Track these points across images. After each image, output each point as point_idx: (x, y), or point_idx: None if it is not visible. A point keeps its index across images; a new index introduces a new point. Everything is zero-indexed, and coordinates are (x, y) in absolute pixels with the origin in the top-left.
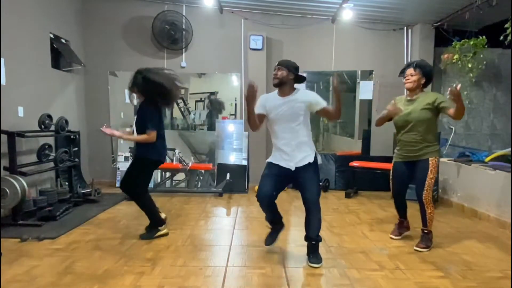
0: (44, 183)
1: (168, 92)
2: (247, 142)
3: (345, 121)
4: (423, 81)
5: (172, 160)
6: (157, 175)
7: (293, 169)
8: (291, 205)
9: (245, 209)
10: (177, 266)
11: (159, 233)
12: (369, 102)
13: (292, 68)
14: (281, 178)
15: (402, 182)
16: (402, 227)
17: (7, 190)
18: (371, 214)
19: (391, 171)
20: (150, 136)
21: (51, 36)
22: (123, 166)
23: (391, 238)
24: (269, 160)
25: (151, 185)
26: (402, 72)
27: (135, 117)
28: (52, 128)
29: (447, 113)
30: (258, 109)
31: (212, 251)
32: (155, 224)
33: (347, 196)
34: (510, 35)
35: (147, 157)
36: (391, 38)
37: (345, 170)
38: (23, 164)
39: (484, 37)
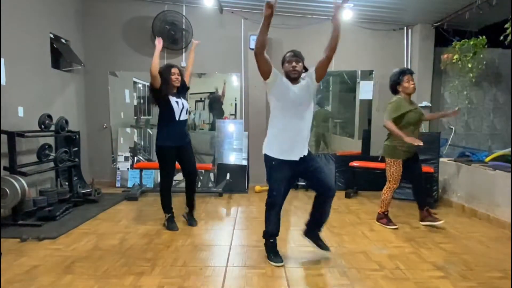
0: (44, 183)
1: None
2: (247, 142)
3: (345, 121)
4: None
5: None
6: (157, 175)
7: (297, 159)
8: (291, 205)
9: (245, 209)
10: (177, 266)
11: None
12: (369, 102)
13: (304, 60)
14: (291, 176)
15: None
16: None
17: (7, 190)
18: (371, 214)
19: (398, 169)
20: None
21: (51, 36)
22: (123, 166)
23: (394, 228)
24: (277, 156)
25: (151, 185)
26: (399, 78)
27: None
28: (52, 128)
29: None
30: (269, 66)
31: (212, 251)
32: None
33: (347, 196)
34: (510, 35)
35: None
36: (391, 38)
37: (345, 170)
38: (23, 164)
39: (484, 37)
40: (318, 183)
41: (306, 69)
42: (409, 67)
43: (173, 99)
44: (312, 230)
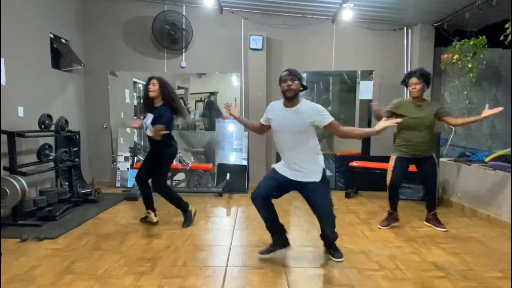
0: (44, 183)
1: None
2: (247, 142)
3: (345, 121)
4: (426, 88)
5: None
6: None
7: (297, 179)
8: (291, 205)
9: (245, 209)
10: (177, 266)
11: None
12: (369, 102)
13: (301, 78)
14: (282, 183)
15: (402, 175)
16: (391, 218)
17: (7, 190)
18: (371, 214)
19: (392, 164)
20: None
21: (51, 36)
22: (123, 166)
23: (379, 228)
24: (275, 166)
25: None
26: (404, 81)
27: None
28: (52, 128)
29: (446, 121)
30: (263, 120)
31: (212, 251)
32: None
33: (347, 196)
34: (510, 35)
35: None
36: (391, 38)
37: (345, 170)
38: (23, 164)
39: (484, 37)
40: (314, 210)
41: (304, 87)
42: (409, 67)
43: (148, 115)
44: (325, 240)
